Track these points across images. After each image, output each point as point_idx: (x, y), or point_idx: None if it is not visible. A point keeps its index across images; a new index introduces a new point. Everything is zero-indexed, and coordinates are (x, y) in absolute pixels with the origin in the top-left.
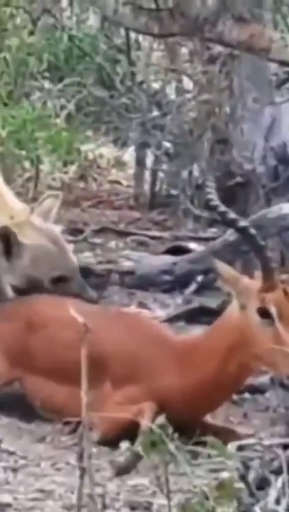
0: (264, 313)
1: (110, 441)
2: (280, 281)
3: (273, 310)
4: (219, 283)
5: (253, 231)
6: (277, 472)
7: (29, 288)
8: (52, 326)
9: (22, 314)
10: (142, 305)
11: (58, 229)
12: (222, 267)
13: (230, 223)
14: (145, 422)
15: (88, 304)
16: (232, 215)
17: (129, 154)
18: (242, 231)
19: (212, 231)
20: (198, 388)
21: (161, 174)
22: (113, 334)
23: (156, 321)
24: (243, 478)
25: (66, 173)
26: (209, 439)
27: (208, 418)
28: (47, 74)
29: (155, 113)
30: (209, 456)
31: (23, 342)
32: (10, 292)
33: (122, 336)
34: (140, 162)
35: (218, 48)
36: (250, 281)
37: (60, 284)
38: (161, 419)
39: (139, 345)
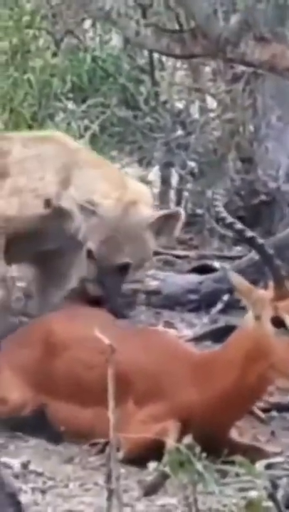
0: (278, 322)
1: (135, 460)
2: None
3: (287, 318)
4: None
5: (260, 241)
6: None
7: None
8: (72, 346)
9: (39, 337)
10: (168, 324)
11: (151, 241)
12: (236, 278)
13: (239, 233)
14: (171, 442)
15: (107, 318)
16: (239, 225)
17: (153, 174)
18: (250, 241)
19: (237, 250)
20: (218, 401)
21: (186, 193)
22: (134, 352)
23: (181, 339)
24: (271, 496)
25: None
26: (237, 457)
27: (236, 437)
28: (70, 95)
29: (179, 132)
30: (237, 475)
31: (45, 366)
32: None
33: (142, 353)
34: (165, 181)
35: (241, 67)
36: (263, 292)
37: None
38: (188, 439)
39: (159, 362)
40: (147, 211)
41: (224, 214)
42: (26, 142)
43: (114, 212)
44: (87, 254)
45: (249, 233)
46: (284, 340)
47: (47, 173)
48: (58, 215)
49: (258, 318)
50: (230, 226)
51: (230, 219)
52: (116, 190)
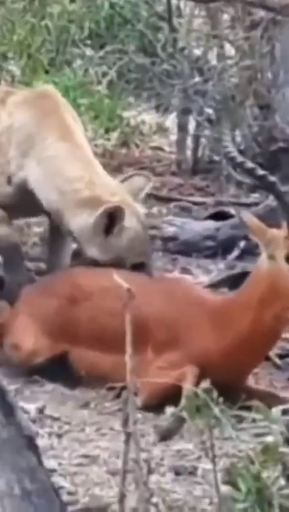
0: None
1: (153, 407)
2: None
3: None
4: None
5: (272, 178)
6: None
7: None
8: (94, 296)
9: (63, 289)
10: (185, 270)
11: (143, 211)
12: (249, 218)
13: (250, 172)
14: (188, 386)
15: (127, 271)
16: (250, 164)
17: (171, 120)
18: (261, 179)
19: (254, 196)
20: (235, 346)
21: (203, 140)
22: (153, 300)
23: (198, 285)
24: (287, 441)
25: (108, 139)
26: (254, 403)
27: (252, 383)
28: (88, 41)
29: (197, 79)
30: (254, 420)
31: (67, 317)
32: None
33: (161, 302)
34: (182, 128)
35: (259, 14)
36: (276, 231)
37: (135, 269)
38: (206, 383)
39: (177, 309)
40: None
41: (234, 153)
42: (12, 109)
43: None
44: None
45: (260, 171)
46: None
47: (11, 147)
48: (21, 192)
49: (272, 257)
50: (241, 165)
51: (240, 158)
52: (84, 171)
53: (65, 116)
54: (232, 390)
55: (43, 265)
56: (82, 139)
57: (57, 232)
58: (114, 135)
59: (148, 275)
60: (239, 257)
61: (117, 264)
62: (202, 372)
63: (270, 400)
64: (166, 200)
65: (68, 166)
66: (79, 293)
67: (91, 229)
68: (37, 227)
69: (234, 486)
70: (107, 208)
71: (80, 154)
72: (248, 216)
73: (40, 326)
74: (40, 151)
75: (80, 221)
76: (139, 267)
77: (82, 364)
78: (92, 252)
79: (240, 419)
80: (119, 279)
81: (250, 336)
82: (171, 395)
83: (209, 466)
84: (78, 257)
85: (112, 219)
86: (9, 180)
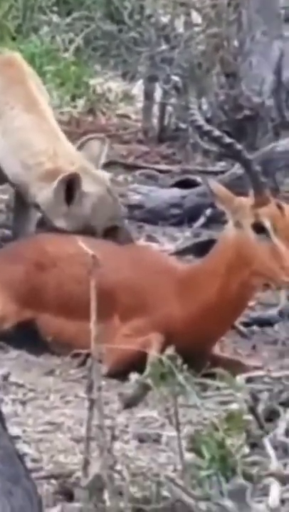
0: (259, 228)
1: (119, 374)
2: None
3: (268, 224)
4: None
5: (239, 146)
6: (286, 404)
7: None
8: (60, 263)
9: (30, 255)
10: (150, 238)
11: (108, 176)
12: (216, 186)
13: (216, 141)
14: (153, 353)
15: (94, 239)
16: (217, 132)
17: (137, 88)
18: (228, 147)
19: (221, 165)
20: (202, 314)
21: (169, 108)
22: (119, 267)
23: (164, 253)
24: (252, 410)
25: (75, 107)
26: (218, 371)
27: (217, 350)
28: (55, 8)
29: (164, 47)
30: (218, 388)
31: (33, 282)
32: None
33: (127, 269)
34: (149, 96)
35: None
36: (243, 199)
37: (110, 233)
38: (170, 350)
39: (144, 277)
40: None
41: (201, 122)
42: None
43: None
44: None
45: (227, 139)
46: (265, 245)
47: None
48: None
49: (238, 225)
50: (207, 133)
51: (207, 127)
52: (48, 144)
53: (31, 86)
54: (197, 358)
55: (8, 232)
56: (47, 109)
57: (22, 200)
58: (81, 102)
59: (125, 238)
60: (205, 225)
61: (89, 231)
62: (168, 340)
63: (234, 367)
64: (132, 167)
65: (33, 138)
66: (46, 259)
67: (53, 200)
68: (2, 194)
69: (198, 453)
70: (64, 177)
71: (44, 126)
72: (215, 184)
73: (7, 292)
74: (5, 121)
75: (44, 194)
76: (113, 232)
77: (48, 330)
78: (60, 223)
79: (204, 387)
80: (85, 246)
81: (216, 304)
82: (137, 362)
83: (173, 433)
84: (44, 224)
85: (71, 187)
86: None
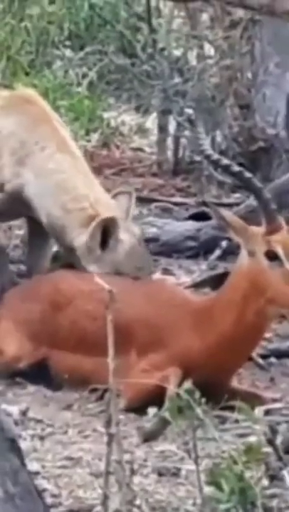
0: (272, 256)
1: (137, 408)
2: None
3: (280, 250)
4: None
5: (248, 174)
6: None
7: None
8: (76, 300)
9: (46, 294)
10: (166, 271)
11: (138, 230)
12: (230, 216)
13: (225, 169)
14: (171, 388)
15: (110, 275)
16: (225, 161)
17: (151, 121)
18: (238, 175)
19: (235, 196)
20: (219, 345)
21: (183, 140)
22: (135, 302)
23: (180, 287)
24: (270, 442)
25: (89, 141)
26: (236, 403)
27: (235, 383)
28: (68, 42)
29: (177, 79)
30: (237, 421)
31: (49, 321)
32: None
33: (143, 304)
34: (162, 129)
35: (239, 13)
36: (255, 228)
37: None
38: (188, 384)
39: (160, 311)
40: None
41: (210, 151)
42: None
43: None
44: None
45: (236, 168)
46: (278, 272)
47: (4, 153)
48: (13, 199)
49: (251, 254)
50: (216, 162)
51: (216, 156)
52: (88, 189)
53: (56, 124)
54: (216, 390)
55: (24, 267)
56: (77, 150)
57: (36, 234)
58: (95, 136)
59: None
60: (221, 257)
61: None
62: (186, 373)
63: (252, 400)
64: (147, 201)
65: (73, 182)
66: (61, 297)
67: (88, 243)
68: (18, 229)
69: (217, 486)
70: (101, 221)
71: (80, 168)
72: (228, 214)
73: (24, 331)
74: (39, 162)
75: (82, 239)
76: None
77: (63, 367)
78: (92, 267)
79: (223, 420)
80: (101, 281)
81: (233, 335)
82: (155, 397)
83: (192, 466)
84: (58, 259)
85: (107, 233)
86: (1, 188)
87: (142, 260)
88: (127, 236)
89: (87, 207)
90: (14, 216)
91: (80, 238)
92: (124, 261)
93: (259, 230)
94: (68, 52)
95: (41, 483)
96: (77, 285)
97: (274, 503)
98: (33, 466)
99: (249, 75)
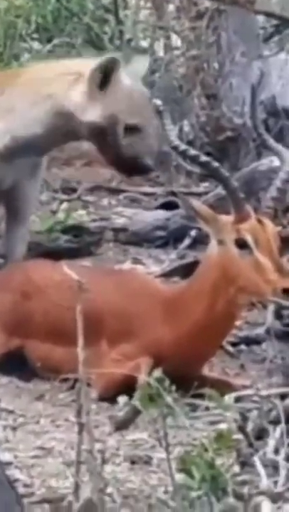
0: (241, 244)
1: (109, 398)
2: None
3: (249, 238)
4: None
5: (215, 164)
6: (276, 422)
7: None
8: (47, 289)
9: (16, 284)
10: (136, 261)
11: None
12: (198, 205)
13: (193, 159)
14: (142, 377)
15: (79, 264)
16: (193, 151)
17: None
18: (205, 165)
19: (204, 186)
20: (190, 335)
21: None
22: (106, 292)
23: (150, 276)
24: (241, 429)
25: None
26: (207, 391)
27: (205, 371)
28: (36, 35)
29: None
30: (207, 408)
31: (20, 311)
32: None
33: (113, 293)
34: None
35: (205, 4)
36: (224, 216)
37: (131, 133)
38: (158, 372)
39: (130, 300)
40: None
41: (177, 142)
42: None
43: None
44: (125, 133)
45: (203, 158)
46: (248, 260)
47: None
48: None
49: (221, 243)
50: (183, 153)
51: (183, 146)
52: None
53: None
54: (185, 378)
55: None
56: None
57: (13, 223)
58: None
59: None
60: (190, 246)
61: (111, 125)
62: (157, 362)
63: (223, 387)
64: (116, 191)
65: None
66: (32, 287)
67: (87, 85)
68: None
69: (188, 474)
70: (102, 61)
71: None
72: (197, 203)
73: None
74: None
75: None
76: (133, 133)
77: (36, 356)
78: (89, 114)
79: (193, 408)
80: (71, 271)
81: (204, 324)
82: (126, 386)
83: (164, 455)
84: (33, 249)
85: (107, 75)
86: None
87: (141, 106)
88: (129, 80)
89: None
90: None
91: (79, 89)
92: (122, 103)
93: (228, 218)
94: (36, 45)
95: (13, 473)
96: (48, 274)
97: (245, 489)
98: (5, 456)
99: (216, 65)
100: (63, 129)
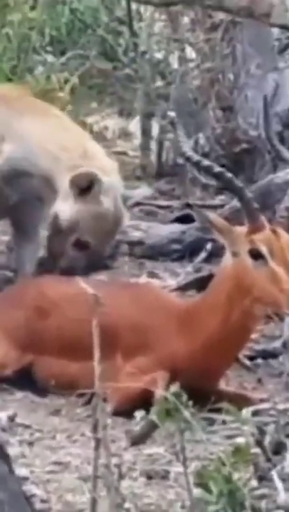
0: (256, 255)
1: (124, 412)
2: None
3: (264, 249)
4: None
5: (229, 175)
6: None
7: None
8: (61, 305)
9: (29, 300)
10: (152, 274)
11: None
12: (214, 217)
13: (207, 170)
14: (159, 391)
15: (95, 278)
16: (206, 162)
17: (134, 125)
18: (219, 176)
19: (220, 198)
20: (206, 348)
21: (167, 143)
22: (121, 305)
23: (165, 289)
24: (258, 443)
25: None
26: (224, 405)
27: (223, 385)
28: (49, 48)
29: (159, 83)
30: (224, 422)
31: (34, 327)
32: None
33: (128, 307)
34: (146, 132)
35: (219, 16)
36: (239, 228)
37: (76, 249)
38: (175, 387)
39: (145, 314)
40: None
41: (190, 153)
42: None
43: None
44: (74, 243)
45: (217, 168)
46: (263, 270)
47: None
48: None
49: (235, 254)
50: (197, 164)
51: (196, 157)
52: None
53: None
54: (203, 393)
55: (9, 274)
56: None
57: (21, 239)
58: None
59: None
60: (206, 260)
61: (63, 238)
62: (173, 376)
63: (240, 401)
64: (132, 204)
65: (58, 137)
66: (46, 303)
67: (68, 187)
68: (2, 234)
69: (206, 488)
70: (88, 172)
71: (66, 125)
72: (212, 215)
73: (9, 338)
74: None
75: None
76: (79, 248)
77: (49, 373)
78: (59, 209)
79: (211, 422)
80: (86, 285)
81: (220, 337)
82: (142, 400)
83: (181, 469)
84: (44, 264)
85: (90, 187)
86: None
87: (104, 229)
88: (107, 202)
89: (76, 157)
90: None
91: (66, 179)
92: (88, 220)
93: (242, 229)
94: (50, 58)
95: (30, 488)
96: (62, 289)
97: (263, 503)
98: (21, 471)
99: (231, 76)
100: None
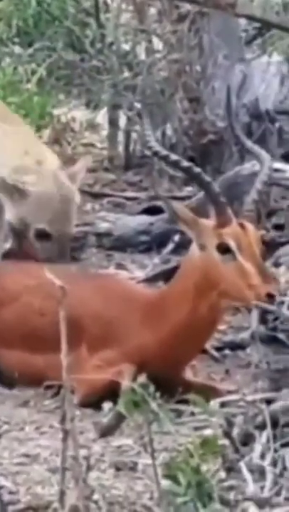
0: (223, 249)
1: (91, 404)
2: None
3: (232, 243)
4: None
5: (197, 169)
6: (261, 427)
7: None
8: (21, 296)
9: None
10: (120, 266)
11: (77, 196)
12: (179, 208)
13: (175, 164)
14: (126, 383)
15: (60, 268)
16: (174, 156)
17: (101, 116)
18: (187, 170)
19: (187, 190)
20: (172, 338)
21: (134, 135)
22: (85, 296)
23: (132, 280)
24: (227, 434)
25: (40, 137)
26: (192, 396)
27: (190, 376)
28: (16, 39)
29: (126, 74)
30: (192, 414)
31: None
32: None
33: (94, 298)
34: (113, 124)
35: (186, 7)
36: (206, 221)
37: (42, 241)
38: (142, 378)
39: (111, 305)
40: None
41: (158, 148)
42: None
43: (49, 186)
44: (36, 235)
45: (185, 163)
46: (230, 265)
47: None
48: None
49: (202, 247)
50: (165, 158)
51: (164, 152)
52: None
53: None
54: (170, 384)
55: None
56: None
57: None
58: (46, 133)
59: (58, 256)
60: (174, 251)
61: (23, 229)
62: (140, 367)
63: (208, 392)
64: (99, 196)
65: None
66: (5, 295)
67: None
68: None
69: (174, 480)
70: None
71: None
72: (178, 205)
73: None
74: None
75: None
76: (44, 238)
77: (12, 365)
78: (7, 215)
79: (179, 413)
80: (51, 275)
81: (185, 328)
82: (108, 392)
83: (149, 460)
84: (9, 256)
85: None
86: None
87: (54, 213)
88: (49, 187)
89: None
90: None
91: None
92: (33, 209)
93: (209, 223)
94: (17, 49)
95: None
96: (22, 280)
97: (231, 495)
98: None
99: (198, 68)
100: None
